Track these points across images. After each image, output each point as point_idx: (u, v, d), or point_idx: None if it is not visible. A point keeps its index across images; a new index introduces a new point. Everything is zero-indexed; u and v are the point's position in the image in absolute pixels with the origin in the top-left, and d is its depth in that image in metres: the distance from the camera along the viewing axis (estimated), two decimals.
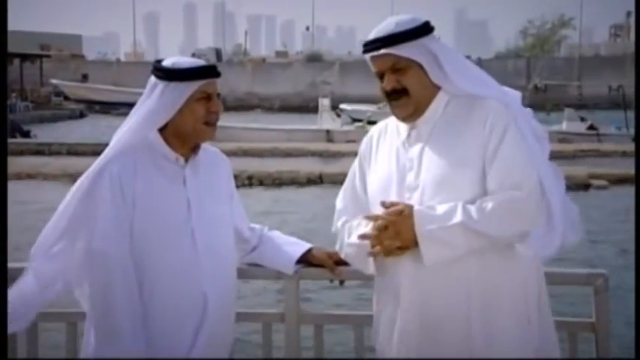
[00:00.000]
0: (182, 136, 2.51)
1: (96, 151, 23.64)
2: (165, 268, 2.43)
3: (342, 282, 2.86)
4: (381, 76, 2.41)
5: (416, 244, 2.25)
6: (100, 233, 2.38)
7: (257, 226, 2.84)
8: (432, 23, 2.42)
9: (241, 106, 46.74)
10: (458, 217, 2.20)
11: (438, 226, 2.21)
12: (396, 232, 2.26)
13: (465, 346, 2.26)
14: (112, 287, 2.37)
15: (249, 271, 2.83)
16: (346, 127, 27.04)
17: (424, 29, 2.37)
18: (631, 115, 25.33)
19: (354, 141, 25.13)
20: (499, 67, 54.68)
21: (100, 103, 50.26)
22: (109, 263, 2.37)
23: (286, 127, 27.24)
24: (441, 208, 2.24)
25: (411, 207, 2.27)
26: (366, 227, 2.37)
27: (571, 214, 2.37)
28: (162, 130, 2.51)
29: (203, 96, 2.48)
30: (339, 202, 2.59)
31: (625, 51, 68.78)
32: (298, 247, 2.80)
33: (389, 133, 2.52)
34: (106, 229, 2.38)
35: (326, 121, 26.50)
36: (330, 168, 18.80)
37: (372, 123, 29.80)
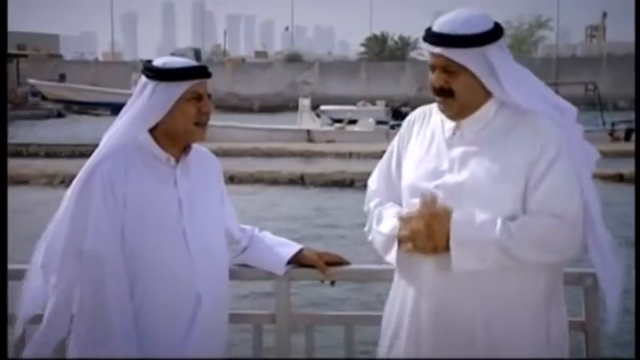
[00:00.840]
0: (173, 136, 2.49)
1: (75, 151, 23.45)
2: (158, 268, 2.42)
3: (332, 282, 2.86)
4: (433, 68, 2.33)
5: (447, 248, 2.21)
6: (91, 233, 2.37)
7: (247, 227, 2.83)
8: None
9: (222, 106, 46.61)
10: (495, 235, 2.17)
11: (474, 239, 2.18)
12: (429, 233, 2.22)
13: (476, 351, 2.25)
14: (103, 286, 2.36)
15: (241, 272, 2.81)
16: (326, 128, 27.06)
17: (489, 36, 2.26)
18: (606, 114, 25.72)
19: (333, 141, 25.18)
20: None
21: (78, 103, 49.73)
22: (99, 262, 2.36)
23: (266, 127, 27.20)
24: (479, 218, 2.20)
25: (449, 212, 2.22)
26: (394, 217, 2.35)
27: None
28: (152, 131, 2.49)
29: (194, 96, 2.47)
30: (373, 183, 2.55)
31: (601, 51, 69.51)
32: (289, 249, 2.80)
33: (432, 121, 2.44)
34: (97, 229, 2.37)
35: (306, 121, 26.50)
36: (312, 168, 18.80)
37: (353, 122, 29.81)
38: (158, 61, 2.50)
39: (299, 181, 17.48)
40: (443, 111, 2.35)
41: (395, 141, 2.55)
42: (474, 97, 2.30)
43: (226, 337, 2.64)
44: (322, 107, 31.74)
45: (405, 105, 36.00)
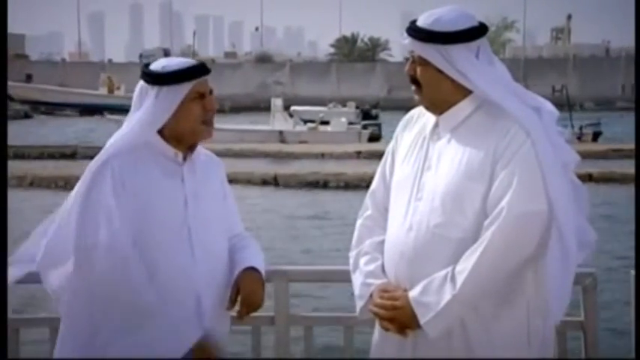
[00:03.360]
0: (180, 137, 2.48)
1: (44, 153, 23.05)
2: (160, 264, 2.40)
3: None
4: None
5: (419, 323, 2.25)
6: (104, 226, 2.33)
7: (240, 232, 2.76)
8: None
9: None
10: (447, 295, 2.19)
11: (437, 312, 2.20)
12: (400, 326, 2.28)
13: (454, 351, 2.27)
14: (127, 275, 2.32)
15: None
16: (299, 128, 27.06)
17: (453, 37, 2.27)
18: (575, 114, 26.09)
19: (306, 142, 25.18)
20: None
21: (45, 103, 49.24)
22: (117, 254, 2.32)
23: (239, 128, 27.11)
24: (434, 283, 2.22)
25: (406, 297, 2.26)
26: (370, 266, 2.41)
27: (587, 238, 2.30)
28: (159, 131, 2.48)
29: (197, 95, 2.45)
30: (373, 183, 2.57)
31: (566, 52, 70.54)
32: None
33: (424, 118, 2.46)
34: (110, 222, 2.34)
35: (279, 121, 26.47)
36: (285, 169, 18.79)
37: (325, 123, 29.82)
38: (157, 65, 2.47)
39: (272, 181, 17.46)
40: (418, 102, 2.42)
41: (393, 141, 2.57)
42: (441, 91, 2.32)
43: (226, 333, 2.62)
44: (293, 108, 31.74)
45: (376, 107, 36.24)
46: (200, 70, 2.46)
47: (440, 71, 2.30)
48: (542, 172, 2.21)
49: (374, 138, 26.55)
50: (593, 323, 2.71)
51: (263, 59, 70.21)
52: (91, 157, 2.49)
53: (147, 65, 2.50)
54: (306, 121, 28.63)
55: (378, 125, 28.84)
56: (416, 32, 2.32)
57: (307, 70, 59.50)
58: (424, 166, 2.35)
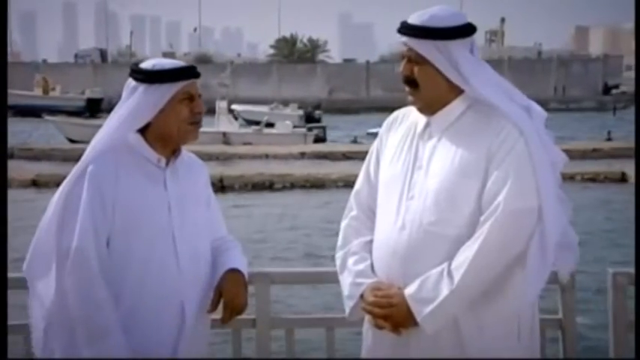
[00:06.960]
0: (165, 138, 2.47)
1: None
2: (146, 272, 2.38)
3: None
4: (403, 58, 2.39)
5: (415, 321, 2.26)
6: (77, 232, 2.30)
7: (225, 236, 2.75)
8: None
9: None
10: (444, 291, 2.21)
11: (434, 307, 2.22)
12: (395, 324, 2.28)
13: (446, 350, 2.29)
14: (92, 285, 2.30)
15: None
16: (243, 130, 26.93)
17: (452, 32, 2.31)
18: None
19: (250, 143, 25.06)
20: (386, 70, 55.92)
21: None
22: (87, 261, 2.30)
23: None
24: (430, 280, 2.24)
25: (401, 294, 2.27)
26: (359, 266, 2.40)
27: (570, 240, 2.36)
28: (143, 133, 2.46)
29: (186, 97, 2.46)
30: (357, 183, 2.57)
31: (500, 55, 72.12)
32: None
33: (410, 119, 2.47)
34: (84, 229, 2.31)
35: (223, 123, 26.26)
36: (230, 171, 18.66)
37: (270, 125, 29.54)
38: (147, 64, 2.47)
39: (218, 184, 17.32)
40: (411, 103, 2.42)
41: (376, 141, 2.58)
42: (438, 90, 2.34)
43: (208, 339, 2.62)
44: (233, 106, 31.53)
45: (318, 107, 36.35)
46: (190, 72, 2.47)
47: (436, 70, 2.32)
48: (534, 170, 2.26)
49: (319, 140, 26.64)
50: (571, 322, 2.76)
51: (203, 60, 69.53)
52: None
53: (136, 64, 2.50)
54: (248, 122, 28.50)
55: (323, 128, 28.96)
56: (412, 30, 2.33)
57: (248, 72, 59.12)
58: (414, 166, 2.37)
